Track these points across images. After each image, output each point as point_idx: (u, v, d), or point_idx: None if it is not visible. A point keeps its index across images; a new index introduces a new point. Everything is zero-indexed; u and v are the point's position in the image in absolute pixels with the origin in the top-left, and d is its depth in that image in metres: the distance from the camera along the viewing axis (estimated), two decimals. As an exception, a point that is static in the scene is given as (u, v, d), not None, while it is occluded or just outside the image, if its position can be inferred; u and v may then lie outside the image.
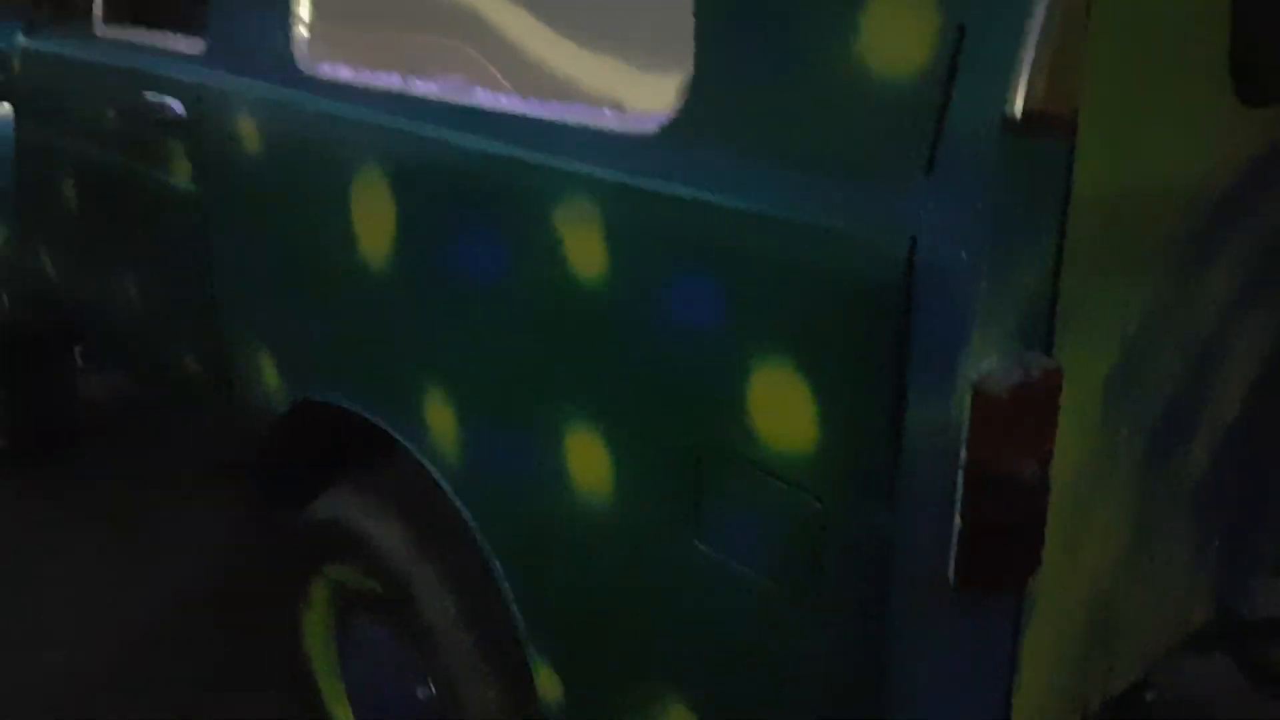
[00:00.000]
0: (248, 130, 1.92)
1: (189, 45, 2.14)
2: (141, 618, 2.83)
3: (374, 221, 1.68)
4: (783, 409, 1.19)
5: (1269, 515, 1.69)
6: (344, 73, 1.77)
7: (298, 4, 1.84)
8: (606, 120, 1.37)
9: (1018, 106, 1.00)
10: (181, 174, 2.14)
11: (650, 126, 1.31)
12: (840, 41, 1.10)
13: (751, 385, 1.22)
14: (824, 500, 1.18)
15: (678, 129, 1.28)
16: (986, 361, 1.07)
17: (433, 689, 1.88)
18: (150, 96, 2.16)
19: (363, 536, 1.89)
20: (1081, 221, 1.10)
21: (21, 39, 2.80)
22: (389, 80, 1.70)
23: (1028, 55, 1.00)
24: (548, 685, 1.64)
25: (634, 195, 1.30)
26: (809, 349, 1.15)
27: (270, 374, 2.04)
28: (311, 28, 1.84)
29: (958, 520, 1.10)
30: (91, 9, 2.56)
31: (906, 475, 1.11)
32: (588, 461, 1.45)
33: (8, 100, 2.88)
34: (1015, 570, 1.16)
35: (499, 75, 1.55)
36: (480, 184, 1.51)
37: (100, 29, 2.49)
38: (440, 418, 1.66)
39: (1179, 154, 1.25)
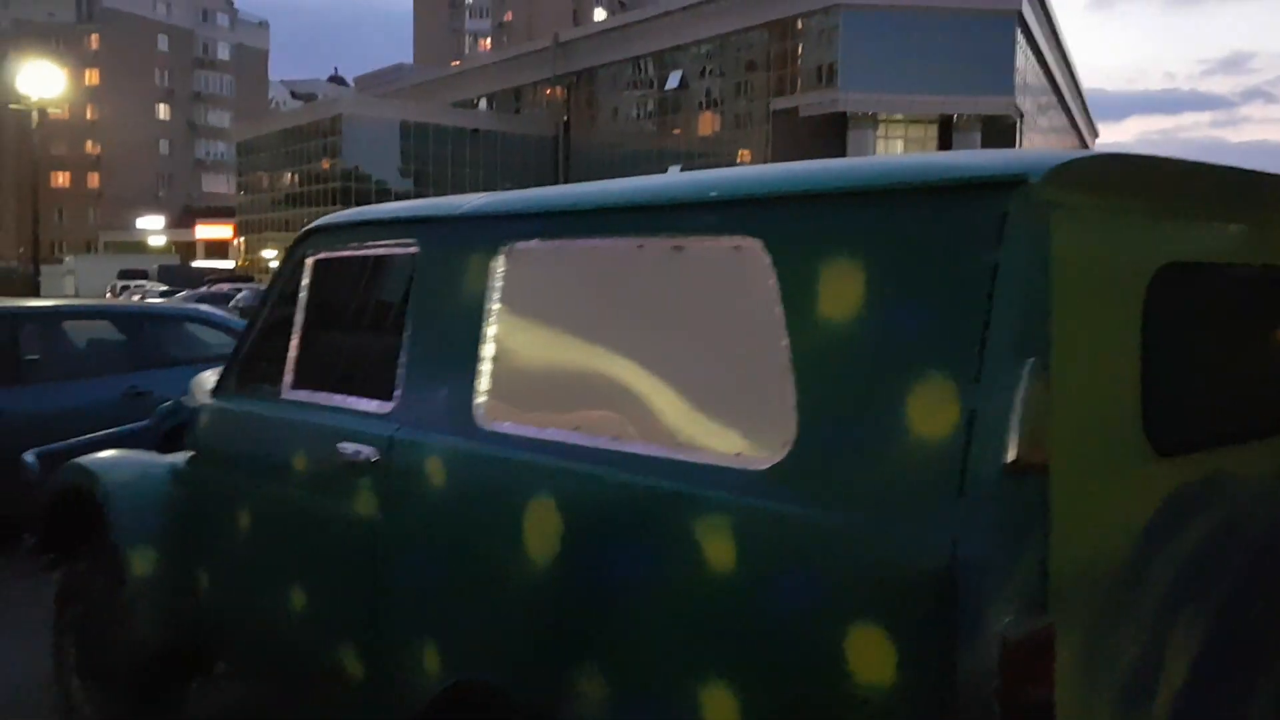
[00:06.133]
0: (434, 471, 2.57)
1: (376, 406, 2.83)
2: None
3: (543, 535, 2.30)
4: (869, 660, 1.76)
5: None
6: (515, 428, 2.45)
7: (478, 379, 2.55)
8: (730, 460, 2.02)
9: (1010, 457, 1.66)
10: (366, 505, 2.77)
11: (763, 466, 1.96)
12: (896, 418, 1.78)
13: (847, 641, 1.79)
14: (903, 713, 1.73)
15: (784, 469, 1.93)
16: (1006, 619, 1.66)
17: None
18: (344, 445, 2.83)
19: None
20: (1058, 535, 1.72)
21: (211, 399, 3.52)
22: (553, 434, 2.37)
23: (1014, 429, 1.67)
24: None
25: (756, 513, 1.93)
26: (889, 613, 1.74)
27: (432, 659, 2.58)
28: (489, 395, 2.53)
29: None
30: (265, 374, 3.29)
31: (957, 691, 1.67)
32: (719, 707, 1.98)
33: (191, 447, 3.56)
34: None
35: (634, 428, 2.22)
36: (632, 508, 2.13)
37: (288, 393, 3.20)
38: (588, 684, 2.20)
39: (1116, 496, 1.87)
